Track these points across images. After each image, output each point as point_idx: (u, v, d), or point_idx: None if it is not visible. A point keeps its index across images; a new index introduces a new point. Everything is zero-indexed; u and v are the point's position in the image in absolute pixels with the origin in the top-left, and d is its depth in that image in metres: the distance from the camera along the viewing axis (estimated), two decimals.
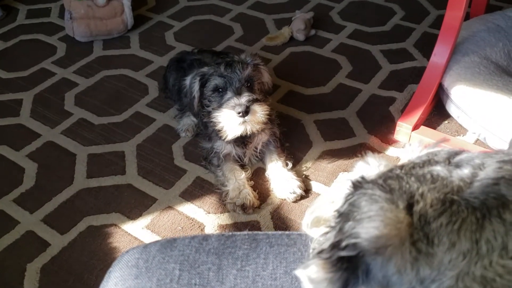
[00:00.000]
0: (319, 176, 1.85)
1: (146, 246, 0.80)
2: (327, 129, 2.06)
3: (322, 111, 2.15)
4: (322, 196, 0.70)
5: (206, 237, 0.80)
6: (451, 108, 2.01)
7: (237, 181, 1.75)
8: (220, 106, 1.66)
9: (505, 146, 1.73)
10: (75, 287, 1.53)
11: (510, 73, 1.98)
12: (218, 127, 1.68)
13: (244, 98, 1.63)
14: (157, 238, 1.66)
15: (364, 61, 2.45)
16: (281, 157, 1.84)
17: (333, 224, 0.53)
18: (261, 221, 1.70)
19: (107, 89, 2.35)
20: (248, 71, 1.68)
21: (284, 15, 2.83)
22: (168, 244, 0.79)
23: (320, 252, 0.51)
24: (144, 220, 1.72)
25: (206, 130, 1.86)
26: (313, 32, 2.65)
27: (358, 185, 0.52)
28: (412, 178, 0.50)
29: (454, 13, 1.81)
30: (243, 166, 1.86)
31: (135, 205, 1.77)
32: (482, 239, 0.44)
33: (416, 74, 2.31)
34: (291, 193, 1.73)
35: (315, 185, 1.82)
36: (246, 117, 1.63)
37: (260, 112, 1.65)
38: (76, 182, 1.87)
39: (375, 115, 2.12)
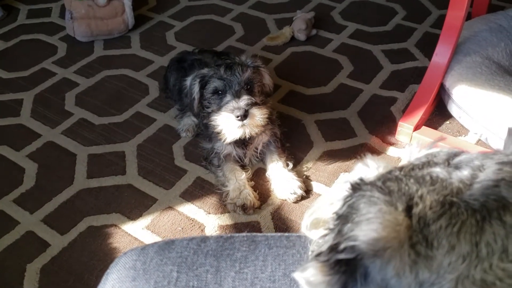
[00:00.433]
0: (320, 176, 1.84)
1: (144, 248, 0.80)
2: (328, 129, 2.05)
3: (323, 111, 2.15)
4: (322, 197, 0.70)
5: (205, 239, 0.79)
6: (453, 108, 2.00)
7: (237, 181, 1.75)
8: (219, 108, 1.66)
9: None
10: (75, 287, 1.52)
11: None
12: (217, 130, 1.68)
13: (243, 102, 1.62)
14: (157, 238, 1.66)
15: (366, 61, 2.45)
16: (281, 158, 1.84)
17: (332, 226, 0.52)
18: (261, 222, 1.70)
19: (108, 89, 2.35)
20: (248, 73, 1.68)
21: (285, 15, 2.82)
22: (166, 246, 0.78)
23: (318, 254, 0.50)
24: (145, 221, 1.71)
25: (206, 131, 1.85)
26: (314, 32, 2.65)
27: (357, 187, 0.51)
28: (411, 180, 0.49)
29: (455, 12, 1.80)
30: (243, 167, 1.86)
31: (136, 205, 1.77)
32: (482, 242, 0.44)
33: (418, 74, 2.30)
34: (291, 193, 1.72)
35: (315, 186, 1.81)
36: (244, 121, 1.63)
37: (259, 115, 1.65)
38: (76, 182, 1.86)
39: (376, 115, 2.12)
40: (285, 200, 1.75)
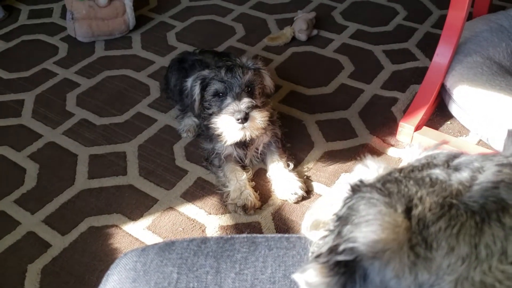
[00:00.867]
0: (321, 177, 1.84)
1: (144, 249, 0.80)
2: (329, 129, 2.05)
3: (324, 111, 2.15)
4: (322, 198, 0.70)
5: (205, 240, 0.79)
6: (454, 109, 2.00)
7: (238, 182, 1.75)
8: (220, 111, 1.66)
9: None
10: None
11: None
12: (217, 132, 1.69)
13: (244, 105, 1.62)
14: (158, 239, 1.66)
15: (366, 61, 2.45)
16: (282, 158, 1.84)
17: (331, 227, 0.52)
18: (262, 222, 1.70)
19: (109, 90, 2.35)
20: (249, 76, 1.68)
21: (286, 15, 2.82)
22: (166, 247, 0.79)
23: (318, 256, 0.50)
24: (145, 221, 1.71)
25: (207, 131, 1.85)
26: (315, 32, 2.65)
27: (356, 189, 0.51)
28: (411, 182, 0.49)
29: (456, 13, 1.80)
30: (244, 167, 1.86)
31: (136, 206, 1.77)
32: (481, 244, 0.44)
33: (419, 75, 2.30)
34: (292, 194, 1.72)
35: (316, 186, 1.81)
36: (245, 124, 1.63)
37: (259, 118, 1.65)
38: (77, 183, 1.87)
39: (377, 115, 2.11)
40: (286, 200, 1.75)
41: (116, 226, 1.70)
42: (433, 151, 0.56)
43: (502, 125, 1.75)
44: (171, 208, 1.76)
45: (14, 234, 1.69)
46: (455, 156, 0.52)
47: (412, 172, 0.52)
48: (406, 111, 2.03)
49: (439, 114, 2.08)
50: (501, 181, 0.46)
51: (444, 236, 0.44)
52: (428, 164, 0.52)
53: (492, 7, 2.50)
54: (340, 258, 0.47)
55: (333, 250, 0.49)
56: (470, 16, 2.35)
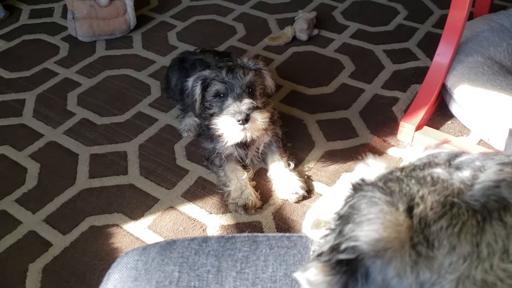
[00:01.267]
0: (322, 176, 1.84)
1: (145, 248, 0.80)
2: (330, 129, 2.05)
3: (325, 111, 2.15)
4: (323, 197, 0.70)
5: (206, 239, 0.79)
6: (454, 108, 2.00)
7: (239, 181, 1.75)
8: (220, 111, 1.66)
9: None
10: (77, 287, 1.53)
11: None
12: (218, 133, 1.69)
13: (245, 106, 1.62)
14: (159, 238, 1.66)
15: (367, 61, 2.45)
16: (283, 158, 1.84)
17: (333, 226, 0.52)
18: (263, 222, 1.70)
19: (110, 89, 2.35)
20: (250, 76, 1.68)
21: (287, 15, 2.82)
22: (167, 246, 0.79)
23: (320, 254, 0.50)
24: (146, 221, 1.71)
25: (208, 131, 1.85)
26: (316, 32, 2.65)
27: (358, 187, 0.51)
28: (413, 181, 0.49)
29: (457, 12, 1.80)
30: (245, 167, 1.86)
31: (137, 205, 1.77)
32: (483, 242, 0.44)
33: (419, 74, 2.30)
34: (293, 193, 1.72)
35: (317, 186, 1.81)
36: (246, 125, 1.63)
37: (260, 119, 1.65)
38: (78, 182, 1.87)
39: (378, 115, 2.11)
40: (287, 200, 1.75)
41: (117, 225, 1.71)
42: (435, 150, 0.56)
43: (503, 125, 1.75)
44: (172, 207, 1.76)
45: (15, 234, 1.69)
46: (457, 155, 0.52)
47: (413, 171, 0.52)
48: (407, 110, 2.03)
49: (440, 114, 2.08)
50: (503, 180, 0.46)
51: (445, 235, 0.44)
52: (429, 163, 0.52)
53: (493, 6, 2.50)
54: (342, 256, 0.47)
55: (334, 248, 0.49)
56: (471, 16, 2.35)
